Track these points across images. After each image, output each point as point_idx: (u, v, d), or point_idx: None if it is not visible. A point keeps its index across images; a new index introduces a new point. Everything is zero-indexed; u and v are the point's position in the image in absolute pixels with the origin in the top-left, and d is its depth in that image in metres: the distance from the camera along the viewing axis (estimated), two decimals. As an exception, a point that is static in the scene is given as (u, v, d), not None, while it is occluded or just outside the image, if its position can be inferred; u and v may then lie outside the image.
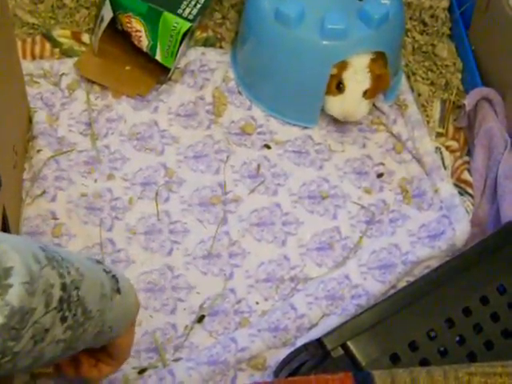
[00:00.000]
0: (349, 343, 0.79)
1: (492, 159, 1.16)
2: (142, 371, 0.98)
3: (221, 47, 1.29)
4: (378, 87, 1.17)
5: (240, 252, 1.09)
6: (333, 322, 1.00)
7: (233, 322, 1.03)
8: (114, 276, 0.71)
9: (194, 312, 1.03)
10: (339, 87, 1.14)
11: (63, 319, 0.58)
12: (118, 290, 0.70)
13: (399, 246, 1.10)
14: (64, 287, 0.58)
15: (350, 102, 1.15)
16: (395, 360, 0.85)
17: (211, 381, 0.97)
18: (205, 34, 1.29)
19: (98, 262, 0.72)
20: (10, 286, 0.52)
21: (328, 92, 1.16)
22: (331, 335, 0.79)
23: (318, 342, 0.79)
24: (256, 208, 1.13)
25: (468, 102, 1.20)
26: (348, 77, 1.13)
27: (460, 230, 1.10)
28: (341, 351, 0.80)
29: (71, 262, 0.62)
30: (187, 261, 1.07)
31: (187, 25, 1.15)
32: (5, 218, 0.97)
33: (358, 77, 1.13)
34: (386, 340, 0.81)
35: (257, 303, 1.05)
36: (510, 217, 1.07)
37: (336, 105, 1.16)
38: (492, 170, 1.16)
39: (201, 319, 1.03)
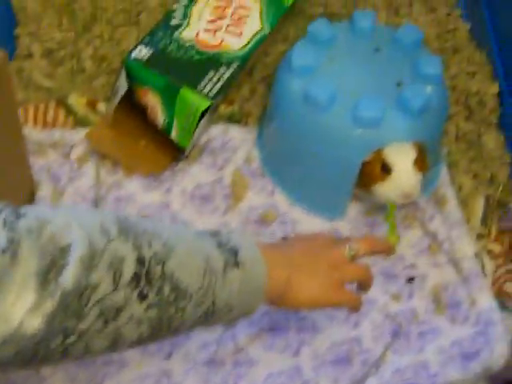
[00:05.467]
0: None
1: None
2: None
3: (246, 123, 1.19)
4: (423, 160, 1.03)
5: (246, 360, 0.97)
6: None
7: None
8: (231, 249, 0.63)
9: (188, 429, 0.92)
10: (385, 169, 1.00)
11: (142, 297, 0.52)
12: (237, 264, 0.62)
13: (427, 365, 0.97)
14: (141, 261, 0.52)
15: (405, 178, 0.99)
16: None
17: None
18: (230, 109, 1.19)
19: (215, 234, 0.65)
20: (66, 264, 0.47)
21: (373, 181, 1.02)
22: None
23: None
24: (267, 310, 1.01)
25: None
26: (390, 154, 1.00)
27: (498, 352, 0.97)
28: None
29: (158, 234, 0.56)
30: (188, 367, 0.96)
31: (206, 103, 1.05)
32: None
33: (401, 149, 1.00)
34: None
35: (260, 423, 0.93)
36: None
37: (390, 189, 1.00)
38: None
39: None
